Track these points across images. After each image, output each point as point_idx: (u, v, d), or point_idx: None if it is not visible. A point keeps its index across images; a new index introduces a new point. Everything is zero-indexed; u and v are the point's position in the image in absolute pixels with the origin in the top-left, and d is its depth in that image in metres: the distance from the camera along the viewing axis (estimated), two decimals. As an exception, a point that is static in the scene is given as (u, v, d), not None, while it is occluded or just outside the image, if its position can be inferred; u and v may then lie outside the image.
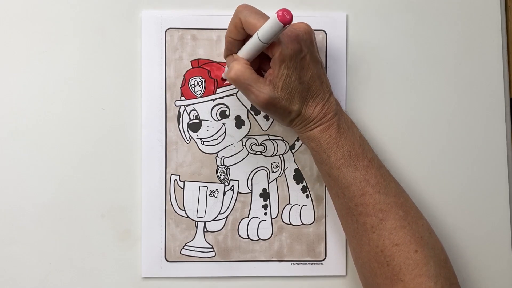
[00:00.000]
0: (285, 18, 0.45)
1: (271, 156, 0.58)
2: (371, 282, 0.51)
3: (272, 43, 0.48)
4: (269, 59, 0.51)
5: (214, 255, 0.57)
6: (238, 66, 0.50)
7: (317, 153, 0.52)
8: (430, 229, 0.52)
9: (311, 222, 0.58)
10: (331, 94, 0.53)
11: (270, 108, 0.51)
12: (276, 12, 0.45)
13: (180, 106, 0.57)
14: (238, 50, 0.52)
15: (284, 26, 0.45)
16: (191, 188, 0.57)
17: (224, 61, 0.56)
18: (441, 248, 0.52)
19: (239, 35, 0.50)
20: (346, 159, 0.51)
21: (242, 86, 0.50)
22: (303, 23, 0.51)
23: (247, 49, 0.50)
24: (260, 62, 0.53)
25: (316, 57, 0.51)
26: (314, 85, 0.51)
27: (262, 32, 0.47)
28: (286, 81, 0.49)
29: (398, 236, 0.49)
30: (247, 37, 0.50)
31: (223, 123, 0.57)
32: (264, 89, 0.50)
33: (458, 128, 0.58)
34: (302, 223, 0.58)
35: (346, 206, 0.52)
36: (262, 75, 0.51)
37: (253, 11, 0.49)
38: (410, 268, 0.49)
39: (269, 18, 0.48)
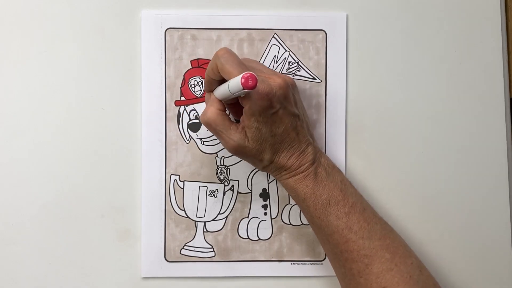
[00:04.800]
0: (247, 84, 0.44)
1: (271, 156, 0.58)
2: None
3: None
4: None
5: (214, 255, 0.57)
6: (211, 111, 0.50)
7: (296, 202, 0.52)
8: (420, 266, 0.51)
9: (311, 222, 0.58)
10: (309, 144, 0.51)
11: (240, 154, 0.51)
12: (242, 75, 0.44)
13: (180, 106, 0.57)
14: (216, 87, 0.51)
15: (245, 90, 0.45)
16: (191, 188, 0.57)
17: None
18: (433, 284, 0.51)
19: (216, 77, 0.50)
20: (325, 208, 0.50)
21: (213, 131, 0.51)
22: (281, 77, 0.50)
23: (221, 92, 0.50)
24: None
25: (290, 111, 0.50)
26: (288, 138, 0.50)
27: (231, 86, 0.47)
28: (256, 133, 0.49)
29: (385, 280, 0.49)
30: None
31: (223, 123, 0.57)
32: (234, 137, 0.49)
33: (458, 128, 0.58)
34: (302, 223, 0.58)
35: (332, 251, 0.52)
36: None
37: (230, 59, 0.48)
38: None
39: (244, 66, 0.48)
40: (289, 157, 0.50)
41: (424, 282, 0.50)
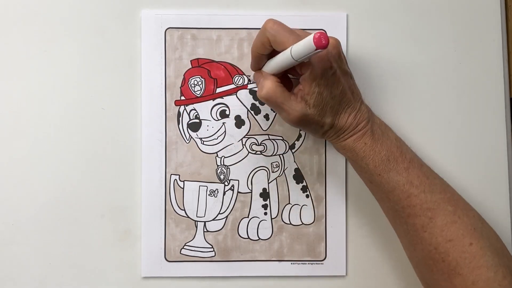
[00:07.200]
0: (321, 43, 0.43)
1: (271, 155, 0.58)
2: (428, 277, 0.51)
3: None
4: (289, 71, 0.51)
5: (214, 255, 0.57)
6: (269, 85, 0.49)
7: (355, 162, 0.52)
8: (481, 219, 0.51)
9: (311, 222, 0.58)
10: (361, 102, 0.52)
11: (303, 124, 0.51)
12: (314, 35, 0.43)
13: (180, 105, 0.57)
14: (264, 63, 0.51)
15: (317, 50, 0.44)
16: (191, 188, 0.57)
17: (225, 60, 0.56)
18: (496, 237, 0.51)
19: (266, 51, 0.50)
20: (385, 164, 0.50)
21: (274, 104, 0.50)
22: (331, 37, 0.49)
23: (276, 64, 0.49)
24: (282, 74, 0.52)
25: (344, 70, 0.51)
26: (345, 97, 0.50)
27: (296, 51, 0.46)
28: (317, 98, 0.49)
29: (450, 232, 0.49)
30: (274, 51, 0.50)
31: (223, 123, 0.57)
32: (296, 107, 0.49)
33: (458, 128, 0.58)
34: (302, 223, 0.58)
35: (392, 209, 0.51)
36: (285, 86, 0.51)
37: (281, 29, 0.48)
38: (467, 261, 0.48)
39: (296, 33, 0.47)
40: (348, 117, 0.51)
41: (487, 234, 0.50)
